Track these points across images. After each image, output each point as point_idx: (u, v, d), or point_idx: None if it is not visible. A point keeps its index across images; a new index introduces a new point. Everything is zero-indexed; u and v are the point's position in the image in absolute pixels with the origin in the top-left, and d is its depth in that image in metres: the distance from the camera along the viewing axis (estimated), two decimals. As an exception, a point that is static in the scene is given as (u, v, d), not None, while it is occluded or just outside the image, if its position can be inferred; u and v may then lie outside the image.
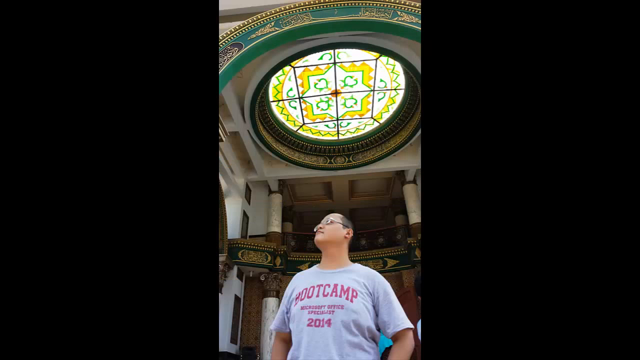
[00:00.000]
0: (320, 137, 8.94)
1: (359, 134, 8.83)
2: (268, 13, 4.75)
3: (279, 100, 7.90)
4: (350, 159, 8.86)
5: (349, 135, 8.90)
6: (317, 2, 4.75)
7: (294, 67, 7.02)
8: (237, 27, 4.66)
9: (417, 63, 6.17)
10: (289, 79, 7.37)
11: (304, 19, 4.74)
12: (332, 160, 8.89)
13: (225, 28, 4.72)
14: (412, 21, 4.39)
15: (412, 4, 4.46)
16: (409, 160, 8.63)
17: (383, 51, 6.24)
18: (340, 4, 4.72)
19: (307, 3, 4.77)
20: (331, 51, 6.63)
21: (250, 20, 4.71)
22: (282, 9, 4.77)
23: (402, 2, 4.50)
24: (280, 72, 6.91)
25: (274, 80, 7.27)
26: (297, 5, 4.78)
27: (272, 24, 4.71)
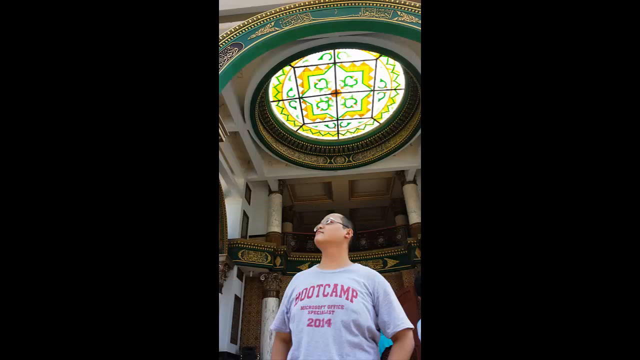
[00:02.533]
0: (320, 137, 8.94)
1: (359, 134, 8.83)
2: (268, 13, 4.75)
3: (279, 100, 7.90)
4: (350, 159, 8.86)
5: (349, 135, 8.90)
6: (317, 2, 4.75)
7: (294, 67, 7.02)
8: (237, 27, 4.66)
9: (417, 63, 6.17)
10: (289, 79, 7.37)
11: (304, 19, 4.74)
12: (332, 160, 8.89)
13: (225, 28, 4.72)
14: (412, 21, 4.39)
15: (412, 4, 4.46)
16: (409, 160, 8.63)
17: (383, 51, 6.24)
18: (340, 4, 4.72)
19: (307, 3, 4.77)
20: (331, 51, 6.63)
21: (250, 20, 4.71)
22: (282, 9, 4.77)
23: (402, 2, 4.50)
24: (280, 72, 6.91)
25: (274, 80, 7.27)
26: (297, 5, 4.78)
27: (272, 24, 4.71)
